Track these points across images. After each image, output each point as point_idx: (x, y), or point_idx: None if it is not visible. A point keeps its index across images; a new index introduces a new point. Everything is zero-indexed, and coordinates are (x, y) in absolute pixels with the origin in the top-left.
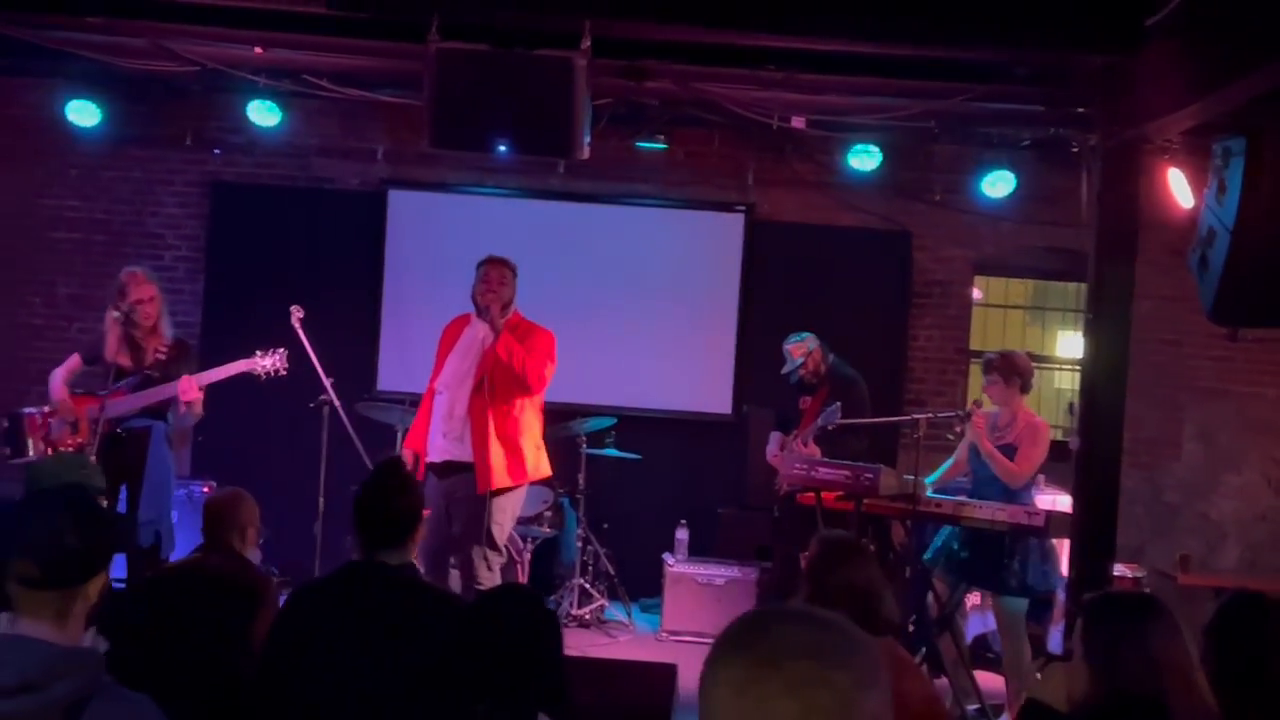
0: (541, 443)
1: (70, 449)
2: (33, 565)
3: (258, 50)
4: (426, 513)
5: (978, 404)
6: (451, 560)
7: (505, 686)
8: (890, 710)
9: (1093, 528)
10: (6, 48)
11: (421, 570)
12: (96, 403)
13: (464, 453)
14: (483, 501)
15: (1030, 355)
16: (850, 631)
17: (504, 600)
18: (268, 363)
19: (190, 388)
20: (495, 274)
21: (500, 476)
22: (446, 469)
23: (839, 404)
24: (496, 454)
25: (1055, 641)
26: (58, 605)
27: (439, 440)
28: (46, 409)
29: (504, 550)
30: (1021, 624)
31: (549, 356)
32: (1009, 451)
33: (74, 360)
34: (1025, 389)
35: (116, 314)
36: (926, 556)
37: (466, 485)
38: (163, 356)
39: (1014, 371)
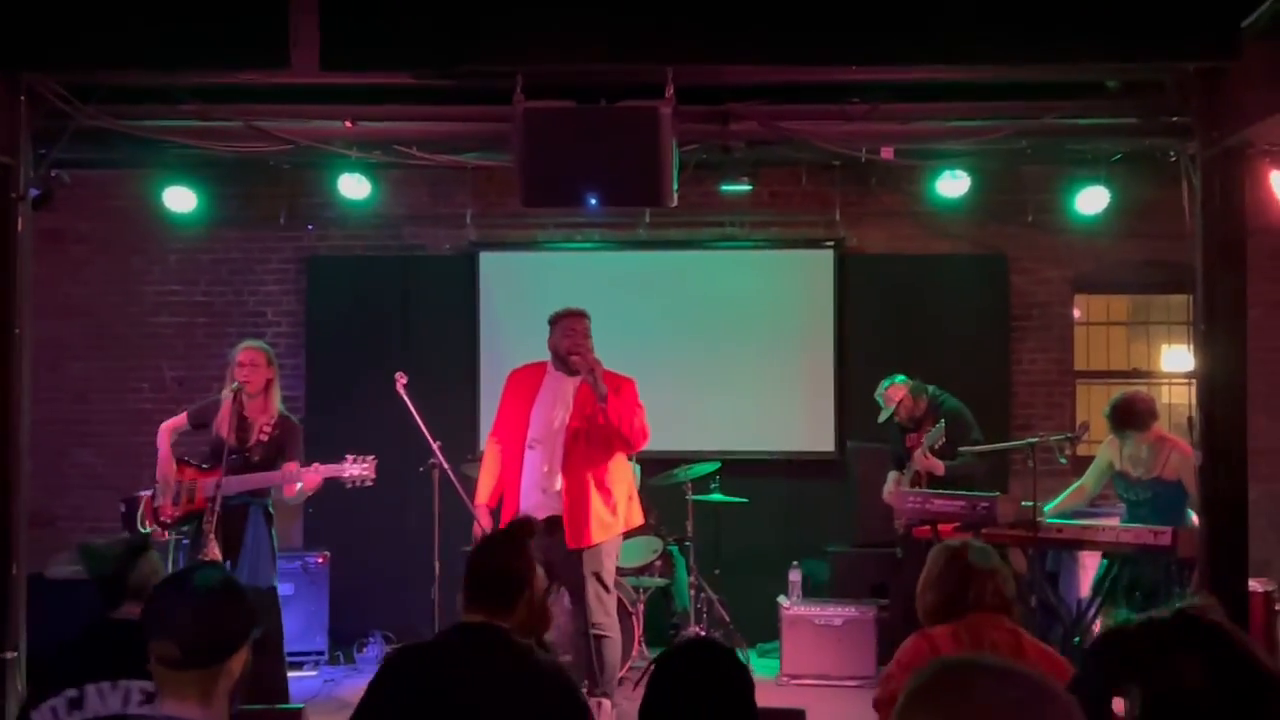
0: (634, 492)
1: (170, 519)
2: (174, 646)
3: (348, 124)
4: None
5: (1086, 425)
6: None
7: None
8: None
9: (1222, 544)
10: (104, 142)
11: None
12: (206, 478)
13: (561, 507)
14: (584, 552)
15: (1135, 371)
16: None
17: (700, 652)
18: (356, 470)
19: (293, 485)
20: (581, 326)
21: (597, 531)
22: (551, 525)
23: (942, 422)
24: (596, 507)
25: None
26: (201, 684)
27: (537, 496)
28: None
29: (614, 591)
30: None
31: (639, 404)
32: (1155, 484)
33: (180, 419)
34: (1150, 424)
35: (230, 388)
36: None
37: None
38: (265, 437)
39: (1136, 417)
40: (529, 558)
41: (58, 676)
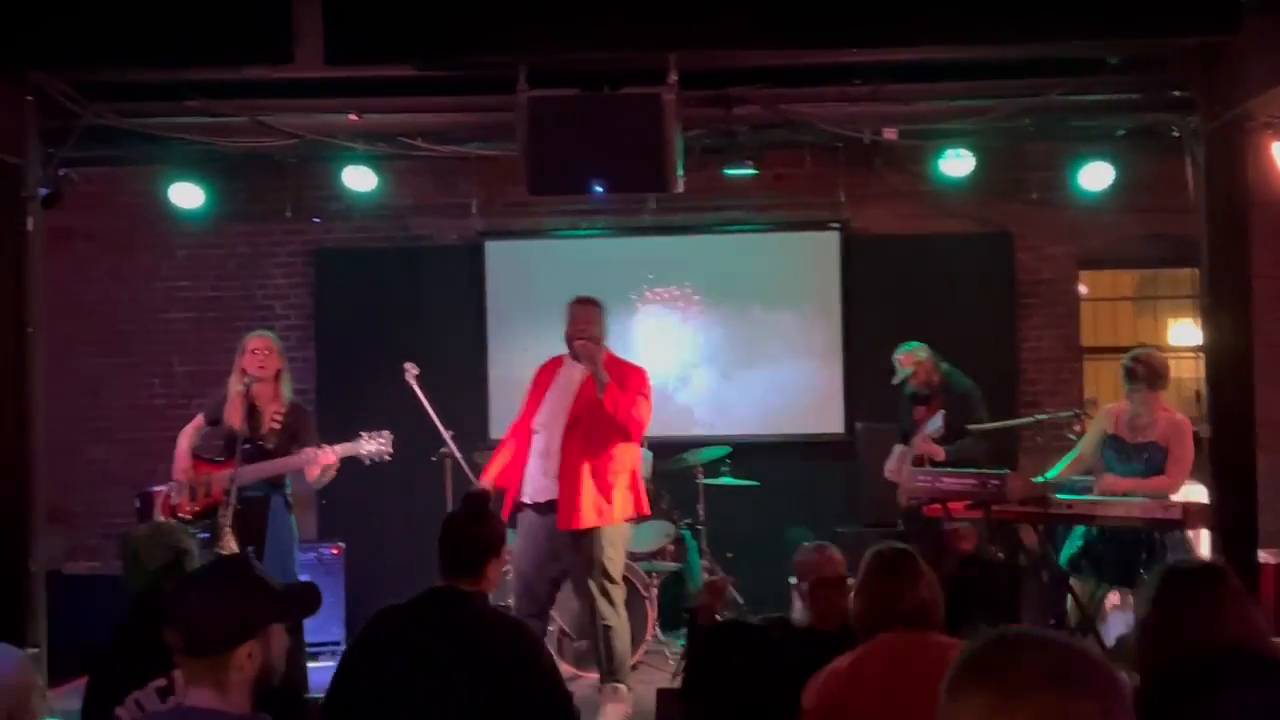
0: (638, 480)
1: (188, 516)
2: (177, 634)
3: (352, 117)
4: (510, 550)
5: (1094, 400)
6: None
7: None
8: None
9: (1233, 516)
10: (110, 139)
11: (515, 604)
12: (221, 470)
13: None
14: (580, 537)
15: (1142, 346)
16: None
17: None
18: (372, 447)
19: (315, 466)
20: (582, 313)
21: (587, 516)
22: (550, 507)
23: (941, 413)
24: (587, 493)
25: None
26: (213, 674)
27: (541, 479)
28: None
29: (622, 582)
30: None
31: (644, 394)
32: (1151, 449)
33: (198, 420)
34: (1165, 386)
35: (243, 382)
36: (1062, 560)
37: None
38: (278, 425)
39: (1157, 375)
40: (492, 524)
41: (135, 667)
